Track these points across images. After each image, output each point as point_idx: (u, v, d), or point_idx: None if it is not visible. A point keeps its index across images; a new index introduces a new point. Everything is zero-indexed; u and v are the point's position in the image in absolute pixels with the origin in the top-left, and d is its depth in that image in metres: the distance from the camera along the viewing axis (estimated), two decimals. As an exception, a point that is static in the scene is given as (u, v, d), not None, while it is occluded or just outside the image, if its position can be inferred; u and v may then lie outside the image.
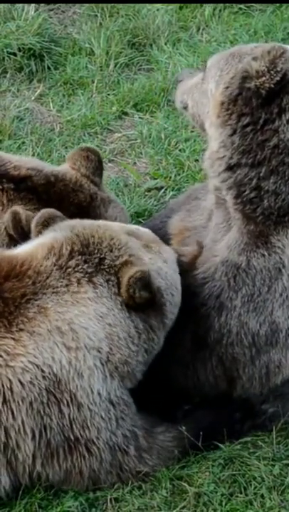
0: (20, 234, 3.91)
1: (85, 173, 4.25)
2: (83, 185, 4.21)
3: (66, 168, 4.29)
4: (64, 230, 3.58)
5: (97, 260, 3.50)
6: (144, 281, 3.44)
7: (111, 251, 3.52)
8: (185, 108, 4.15)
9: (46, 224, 3.66)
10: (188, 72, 4.31)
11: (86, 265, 3.49)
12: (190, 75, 4.23)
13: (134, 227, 3.83)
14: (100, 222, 3.73)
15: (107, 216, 4.18)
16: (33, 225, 3.70)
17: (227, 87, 3.67)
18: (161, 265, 3.64)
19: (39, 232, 3.66)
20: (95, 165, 4.28)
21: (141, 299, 3.48)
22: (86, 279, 3.47)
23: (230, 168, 3.73)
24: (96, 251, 3.51)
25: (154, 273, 3.54)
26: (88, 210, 4.15)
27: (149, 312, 3.55)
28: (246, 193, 3.71)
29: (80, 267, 3.48)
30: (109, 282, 3.48)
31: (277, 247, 3.73)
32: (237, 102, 3.64)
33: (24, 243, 3.78)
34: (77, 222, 3.65)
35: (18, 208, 3.94)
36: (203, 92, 3.90)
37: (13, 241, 3.98)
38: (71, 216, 3.93)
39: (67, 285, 3.46)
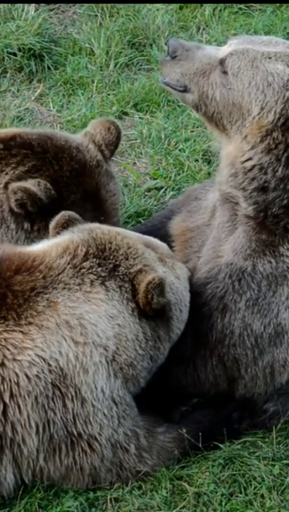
0: (39, 207, 3.88)
1: (99, 142, 4.19)
2: (91, 149, 4.13)
3: (77, 135, 4.24)
4: (82, 233, 3.61)
5: (111, 266, 3.53)
6: (162, 287, 3.47)
7: (126, 259, 3.55)
8: (184, 90, 3.84)
9: (65, 226, 3.68)
10: (184, 50, 3.83)
11: (100, 269, 3.51)
12: (187, 53, 3.83)
13: (151, 239, 3.84)
14: (120, 229, 3.75)
15: (108, 189, 4.11)
16: (51, 226, 3.72)
17: (279, 118, 3.56)
18: (173, 280, 3.67)
19: (57, 233, 3.68)
20: (112, 138, 4.23)
21: (158, 305, 3.51)
22: (99, 281, 3.50)
23: (263, 189, 3.68)
24: (112, 257, 3.54)
25: (166, 286, 3.56)
26: (92, 173, 4.07)
27: (158, 322, 3.58)
28: (274, 210, 3.69)
29: (94, 269, 3.51)
30: (122, 288, 3.51)
31: (285, 256, 3.74)
32: (287, 132, 3.57)
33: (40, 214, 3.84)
34: (96, 227, 3.67)
35: (24, 183, 3.85)
36: (233, 102, 3.66)
37: (18, 217, 3.95)
38: (71, 172, 3.92)
39: (79, 284, 3.48)
